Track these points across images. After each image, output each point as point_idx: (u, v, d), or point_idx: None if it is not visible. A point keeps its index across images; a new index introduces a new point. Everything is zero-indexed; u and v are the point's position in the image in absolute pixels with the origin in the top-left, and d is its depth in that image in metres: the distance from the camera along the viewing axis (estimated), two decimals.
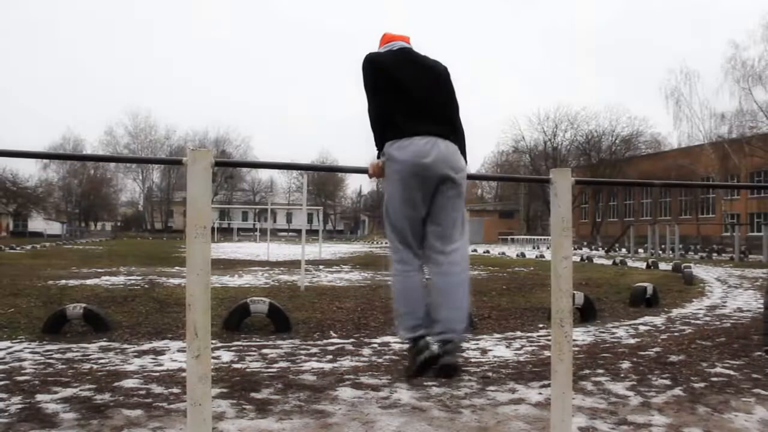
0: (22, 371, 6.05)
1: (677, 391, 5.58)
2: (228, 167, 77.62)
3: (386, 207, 3.46)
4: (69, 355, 6.88)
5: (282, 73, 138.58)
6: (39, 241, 50.68)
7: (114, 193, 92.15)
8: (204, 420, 2.60)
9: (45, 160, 78.22)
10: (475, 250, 39.05)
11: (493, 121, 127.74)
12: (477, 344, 7.79)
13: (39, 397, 5.11)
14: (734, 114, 43.83)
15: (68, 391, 5.31)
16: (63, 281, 14.65)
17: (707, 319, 10.30)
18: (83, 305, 8.49)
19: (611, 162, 62.48)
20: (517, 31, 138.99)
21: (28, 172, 76.79)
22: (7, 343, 7.49)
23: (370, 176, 3.18)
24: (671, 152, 55.64)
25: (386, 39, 3.74)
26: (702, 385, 5.80)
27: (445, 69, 3.78)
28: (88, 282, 14.64)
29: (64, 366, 6.32)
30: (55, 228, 73.16)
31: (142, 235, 74.89)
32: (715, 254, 34.69)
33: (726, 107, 50.31)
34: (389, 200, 3.42)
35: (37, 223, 71.49)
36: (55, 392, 5.28)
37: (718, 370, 6.43)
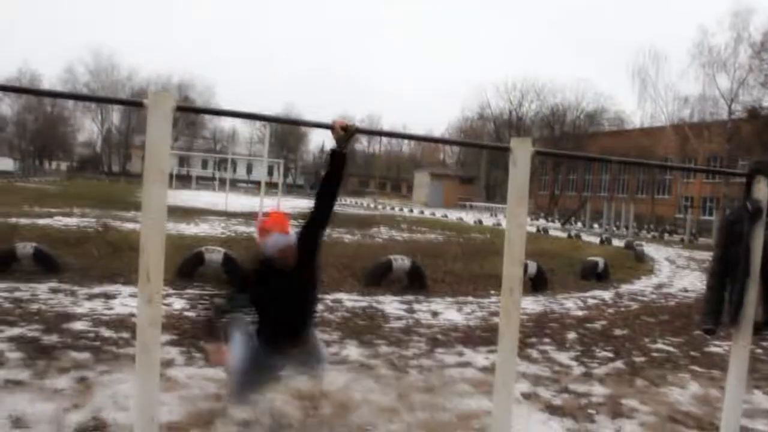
0: None
1: (619, 363, 5.76)
2: (190, 113, 76.31)
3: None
4: (17, 294, 6.78)
5: (253, 23, 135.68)
6: None
7: (71, 133, 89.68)
8: (153, 365, 2.60)
9: None
10: (434, 214, 39.27)
11: (460, 84, 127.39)
12: (429, 306, 7.90)
13: None
14: (697, 98, 44.45)
15: (15, 331, 5.25)
16: (13, 219, 14.33)
17: (654, 296, 10.60)
18: (34, 245, 8.34)
19: (574, 136, 62.97)
20: None
21: None
22: None
23: (334, 133, 3.14)
24: (633, 131, 56.27)
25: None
26: (642, 359, 6.00)
27: None
28: (40, 222, 14.35)
29: (11, 305, 6.23)
30: (7, 164, 71.15)
31: (98, 177, 73.31)
32: (666, 234, 35.49)
33: (690, 91, 50.88)
34: None
35: None
36: (1, 331, 5.21)
37: (659, 346, 6.65)
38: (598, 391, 4.83)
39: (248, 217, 21.75)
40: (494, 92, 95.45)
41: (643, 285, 12.06)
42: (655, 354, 6.24)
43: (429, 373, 5.00)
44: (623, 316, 8.30)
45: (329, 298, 7.95)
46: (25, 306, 6.22)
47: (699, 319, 7.53)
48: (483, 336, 6.39)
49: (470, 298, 8.77)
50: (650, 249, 21.15)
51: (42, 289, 7.16)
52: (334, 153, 3.16)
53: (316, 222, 3.25)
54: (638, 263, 15.91)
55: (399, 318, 7.09)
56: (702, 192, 49.34)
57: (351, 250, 12.57)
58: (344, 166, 3.21)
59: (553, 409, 4.31)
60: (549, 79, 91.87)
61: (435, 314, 7.49)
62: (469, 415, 4.09)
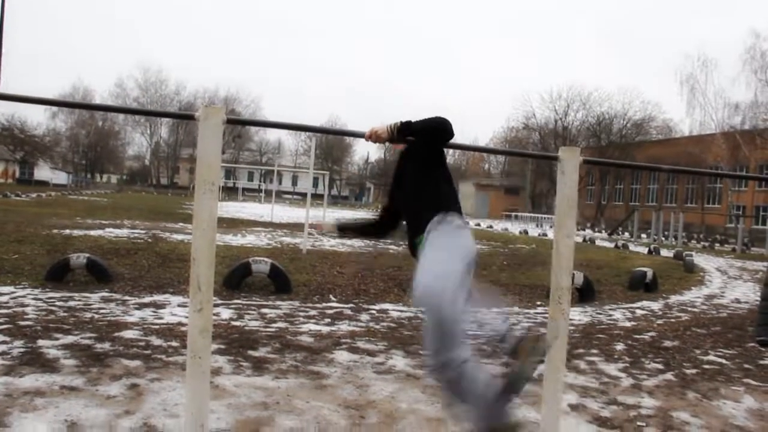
0: (25, 316, 6.14)
1: (669, 375, 5.64)
2: (237, 126, 77.64)
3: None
4: (71, 303, 6.97)
5: (297, 36, 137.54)
6: (44, 189, 50.80)
7: (121, 146, 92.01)
8: (203, 373, 2.65)
9: (54, 109, 78.09)
10: (479, 225, 39.08)
11: (505, 96, 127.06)
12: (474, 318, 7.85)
13: (40, 342, 5.19)
14: (749, 105, 43.46)
15: (69, 339, 5.39)
16: (67, 231, 14.74)
17: (704, 307, 10.36)
18: (87, 255, 8.57)
19: (621, 145, 62.04)
20: (534, 6, 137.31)
21: (37, 120, 76.92)
22: (11, 288, 7.58)
23: (367, 139, 3.17)
24: (682, 139, 55.18)
25: None
26: (694, 371, 5.86)
27: None
28: (92, 233, 14.73)
29: (65, 314, 6.41)
30: (60, 177, 73.27)
31: (147, 189, 74.94)
32: (717, 244, 34.66)
33: (741, 98, 49.80)
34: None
35: (43, 172, 71.50)
36: (57, 338, 5.36)
37: (711, 358, 6.49)
38: (648, 403, 4.74)
39: (293, 228, 21.96)
40: (539, 102, 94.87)
41: (693, 296, 11.79)
42: (706, 366, 6.09)
43: None
44: (673, 328, 8.13)
45: (375, 308, 7.97)
46: (78, 315, 6.38)
47: (753, 330, 7.34)
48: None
49: (516, 309, 8.70)
50: (700, 259, 20.69)
51: (94, 298, 7.35)
52: (398, 140, 3.13)
53: None
54: (688, 273, 15.57)
55: None
56: (755, 200, 48.09)
57: (397, 261, 12.59)
58: (419, 135, 3.09)
59: (601, 421, 4.24)
60: (595, 87, 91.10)
61: (481, 325, 7.43)
62: None
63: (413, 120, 3.06)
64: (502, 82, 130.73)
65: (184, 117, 3.01)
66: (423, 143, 3.10)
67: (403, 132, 3.06)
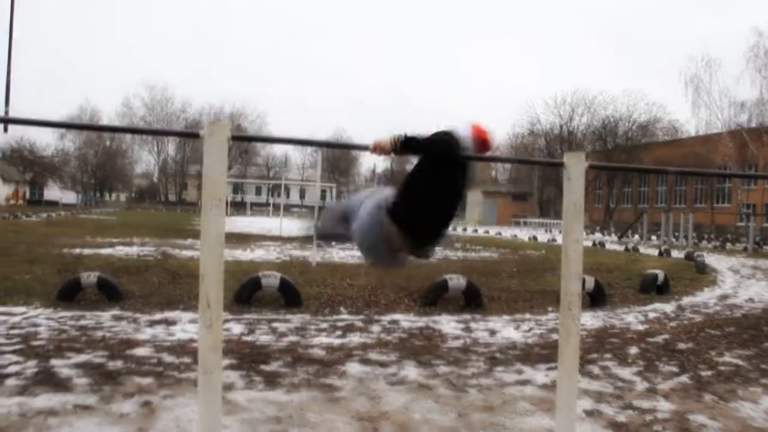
0: (38, 336, 6.16)
1: (684, 378, 5.60)
2: (243, 142, 77.93)
3: None
4: (83, 322, 6.98)
5: (298, 50, 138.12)
6: (54, 209, 51.07)
7: (129, 165, 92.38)
8: (215, 388, 2.65)
9: (62, 131, 78.44)
10: (487, 232, 38.98)
11: (508, 102, 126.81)
12: (486, 325, 7.83)
13: (53, 361, 5.21)
14: (754, 103, 43.23)
15: (81, 357, 5.40)
16: (77, 250, 14.80)
17: (718, 308, 10.28)
18: (97, 274, 8.59)
19: (627, 148, 61.83)
20: (535, 11, 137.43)
21: (45, 141, 77.03)
22: (23, 309, 7.61)
23: (372, 152, 3.18)
24: (688, 140, 54.92)
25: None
26: (709, 373, 5.81)
27: None
28: (102, 251, 14.78)
29: (77, 333, 6.42)
30: (70, 197, 73.63)
31: (155, 206, 75.22)
32: (728, 244, 34.42)
33: (746, 96, 49.48)
34: None
35: (52, 192, 71.89)
36: (69, 357, 5.37)
37: (726, 359, 6.44)
38: (664, 407, 4.70)
39: (303, 241, 21.97)
40: (544, 107, 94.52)
41: (706, 297, 11.71)
42: (722, 368, 6.04)
43: (488, 391, 4.94)
44: (686, 330, 8.07)
45: (386, 319, 7.95)
46: (90, 333, 6.40)
47: None
48: (542, 353, 6.30)
49: (527, 315, 8.67)
50: (712, 259, 20.56)
51: (105, 316, 7.36)
52: (401, 152, 3.18)
53: None
54: (700, 274, 15.46)
55: (456, 337, 7.04)
56: (765, 198, 47.82)
57: (406, 271, 12.56)
58: (417, 146, 3.17)
59: (617, 426, 4.21)
60: (599, 91, 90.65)
61: (492, 333, 7.41)
62: None
63: (417, 136, 3.09)
64: (503, 85, 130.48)
65: (189, 135, 3.02)
66: (425, 158, 3.14)
67: (406, 146, 3.08)
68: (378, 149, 3.12)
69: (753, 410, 4.71)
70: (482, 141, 3.30)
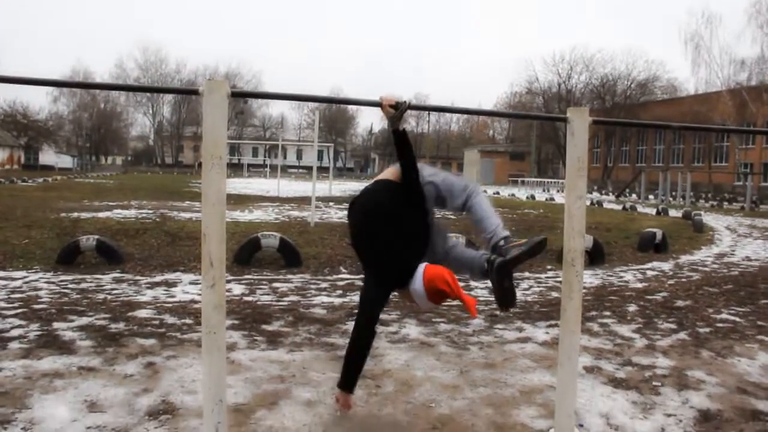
0: (39, 300, 6.18)
1: (682, 335, 5.65)
2: (239, 101, 77.57)
3: None
4: (83, 285, 7.00)
5: (294, 9, 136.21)
6: (50, 174, 50.92)
7: (124, 128, 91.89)
8: (219, 348, 2.65)
9: (55, 93, 77.84)
10: (485, 191, 38.89)
11: (507, 60, 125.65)
12: (485, 283, 7.86)
13: (56, 324, 5.22)
14: (755, 61, 42.94)
15: (84, 320, 5.42)
16: (75, 214, 14.78)
17: (715, 266, 10.33)
18: (96, 237, 8.59)
19: (626, 106, 61.53)
20: None
21: (39, 104, 76.67)
22: (23, 273, 7.62)
23: (385, 111, 3.11)
24: (687, 98, 54.58)
25: None
26: (707, 330, 5.86)
27: None
28: (100, 215, 14.77)
29: (78, 296, 6.44)
30: (66, 161, 73.35)
31: (152, 169, 75.04)
32: (726, 203, 34.49)
33: (747, 53, 49.14)
34: None
35: (48, 157, 71.58)
36: (71, 320, 5.39)
37: (724, 316, 6.49)
38: (663, 363, 4.75)
39: (300, 202, 21.97)
40: (542, 66, 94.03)
41: (703, 255, 11.76)
42: (720, 324, 6.09)
43: (489, 349, 4.98)
44: (684, 287, 8.12)
45: None
46: (91, 296, 6.42)
47: (766, 287, 7.32)
48: (542, 311, 6.33)
49: (527, 274, 8.70)
50: (709, 218, 20.62)
51: (106, 279, 7.38)
52: (394, 132, 3.16)
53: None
54: (697, 233, 15.52)
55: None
56: (763, 157, 47.75)
57: None
58: (404, 144, 3.21)
59: (617, 382, 4.25)
60: (598, 49, 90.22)
61: (492, 291, 7.44)
62: (532, 389, 4.07)
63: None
64: (502, 44, 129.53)
65: (188, 92, 2.98)
66: (398, 146, 3.25)
67: (398, 133, 3.17)
68: (385, 108, 3.06)
69: (749, 366, 4.75)
70: (436, 292, 3.30)
